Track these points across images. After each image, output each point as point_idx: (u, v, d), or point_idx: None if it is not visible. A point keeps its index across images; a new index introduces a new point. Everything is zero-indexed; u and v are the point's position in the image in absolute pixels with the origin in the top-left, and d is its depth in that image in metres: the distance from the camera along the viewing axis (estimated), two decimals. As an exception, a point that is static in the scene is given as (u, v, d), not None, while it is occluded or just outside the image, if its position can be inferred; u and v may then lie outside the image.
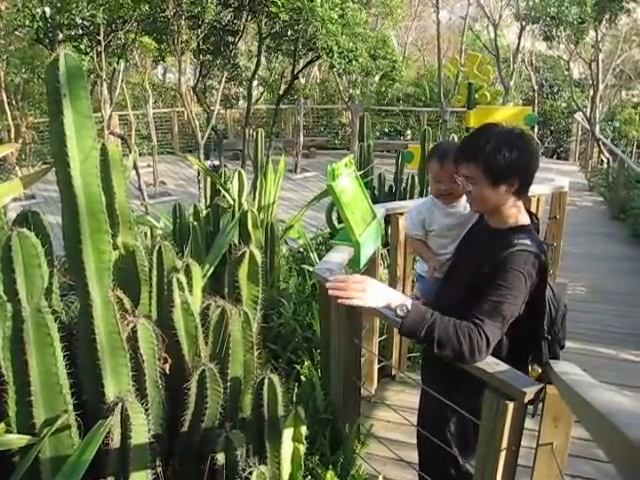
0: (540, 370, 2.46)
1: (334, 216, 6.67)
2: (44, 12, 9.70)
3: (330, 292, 2.15)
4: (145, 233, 5.37)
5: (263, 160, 6.52)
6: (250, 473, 2.25)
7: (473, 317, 2.25)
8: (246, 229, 4.66)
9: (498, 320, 2.26)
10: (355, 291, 2.15)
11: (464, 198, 2.97)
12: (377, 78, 16.53)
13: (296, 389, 3.99)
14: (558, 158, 22.38)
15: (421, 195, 7.01)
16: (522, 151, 2.30)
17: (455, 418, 2.71)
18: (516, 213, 2.43)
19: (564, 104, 23.98)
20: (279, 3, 8.89)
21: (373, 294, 2.18)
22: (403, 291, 4.68)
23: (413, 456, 3.22)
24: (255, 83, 14.72)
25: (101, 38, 9.65)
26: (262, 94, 17.89)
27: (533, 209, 5.69)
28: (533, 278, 2.31)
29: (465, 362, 2.27)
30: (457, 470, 2.77)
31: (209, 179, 5.93)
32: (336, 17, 9.39)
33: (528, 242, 2.30)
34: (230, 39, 11.00)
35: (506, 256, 2.28)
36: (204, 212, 5.58)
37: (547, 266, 2.35)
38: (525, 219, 2.46)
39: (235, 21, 10.73)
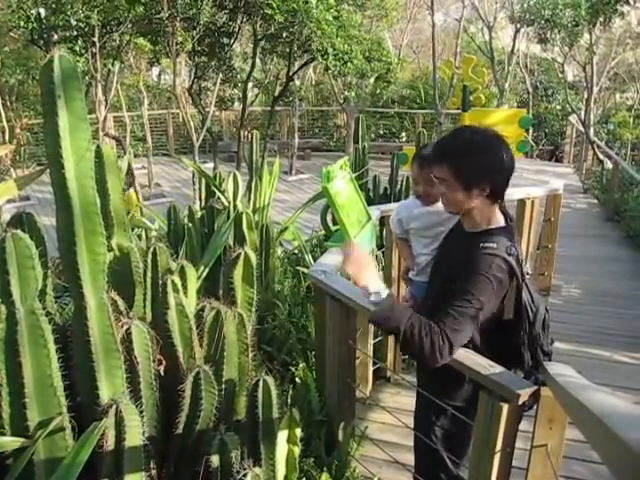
0: (522, 375, 2.45)
1: (329, 218, 6.67)
2: (39, 13, 9.69)
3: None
4: (140, 235, 5.37)
5: (258, 162, 6.53)
6: (245, 475, 2.25)
7: (437, 320, 2.24)
8: (241, 231, 4.66)
9: (459, 323, 2.23)
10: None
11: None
12: (372, 80, 16.58)
13: (291, 391, 3.98)
14: (557, 160, 22.40)
15: (415, 197, 7.01)
16: (494, 155, 2.27)
17: (445, 420, 2.71)
18: (489, 216, 2.41)
19: (558, 106, 24.02)
20: (274, 5, 8.90)
21: (363, 273, 2.34)
22: (397, 293, 4.68)
23: (408, 458, 3.22)
24: (250, 85, 14.71)
25: (96, 39, 9.66)
26: (257, 96, 17.86)
27: (527, 211, 5.70)
28: (504, 281, 2.29)
29: (426, 362, 2.28)
30: (448, 474, 2.77)
31: (204, 181, 5.92)
32: (331, 19, 9.40)
33: (494, 245, 2.27)
34: (225, 41, 11.02)
35: (470, 259, 2.27)
36: (199, 214, 5.58)
37: (515, 269, 2.30)
38: (498, 221, 2.42)
39: (230, 23, 10.74)
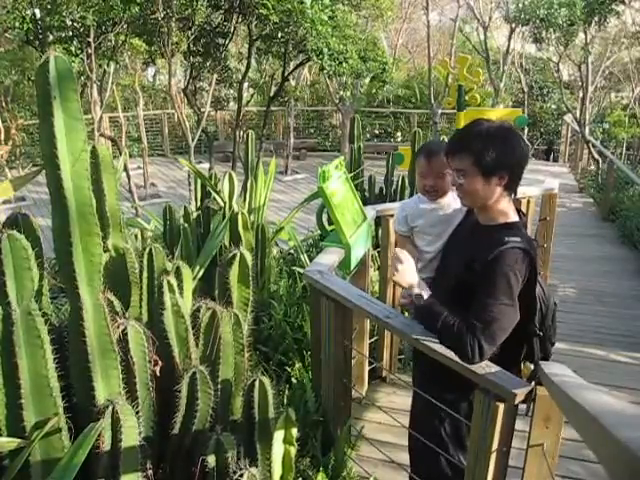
0: (532, 367, 2.46)
1: (324, 218, 6.67)
2: (34, 14, 9.65)
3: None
4: (135, 235, 5.37)
5: (254, 162, 6.53)
6: (241, 475, 2.25)
7: (471, 321, 2.31)
8: (236, 231, 4.65)
9: (495, 324, 2.29)
10: (395, 268, 2.56)
11: (449, 196, 2.98)
12: (367, 80, 16.54)
13: (287, 391, 3.98)
14: (554, 160, 22.40)
15: (411, 196, 7.02)
16: (512, 145, 2.33)
17: (448, 419, 2.71)
18: (506, 210, 2.45)
19: (554, 106, 24.10)
20: (269, 5, 8.88)
21: (404, 275, 2.55)
22: (393, 293, 4.68)
23: (404, 458, 3.22)
24: (245, 85, 14.70)
25: (91, 40, 9.63)
26: (252, 96, 17.86)
27: (523, 210, 5.71)
28: (523, 275, 2.33)
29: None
30: (452, 470, 2.77)
31: (199, 181, 5.92)
32: (326, 19, 9.38)
33: (518, 239, 2.31)
34: (220, 41, 10.99)
35: (498, 254, 2.29)
36: (194, 214, 5.58)
37: (536, 263, 2.36)
38: (514, 216, 2.47)
39: (225, 23, 10.72)
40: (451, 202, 2.98)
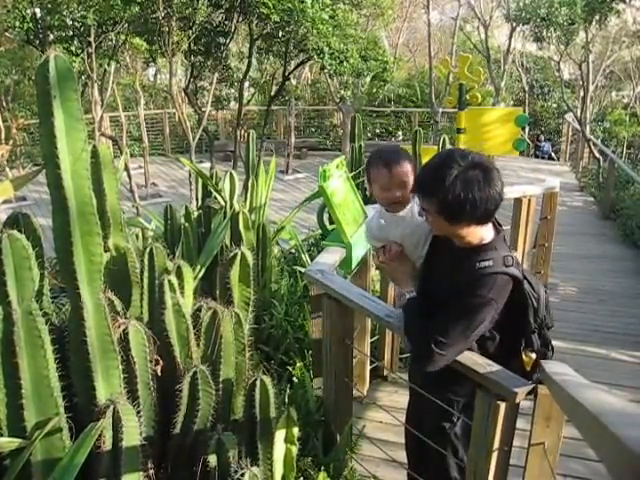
0: (534, 356, 2.43)
1: (325, 217, 6.66)
2: (34, 13, 9.66)
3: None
4: (136, 235, 5.37)
5: (254, 161, 6.52)
6: (242, 475, 2.25)
7: (434, 334, 2.28)
8: (237, 230, 4.65)
9: (456, 342, 2.29)
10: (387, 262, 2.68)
11: (409, 204, 2.70)
12: (368, 79, 16.53)
13: (288, 390, 3.98)
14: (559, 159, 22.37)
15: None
16: (479, 191, 2.14)
17: (455, 419, 2.70)
18: (479, 233, 2.32)
19: (554, 105, 24.10)
20: (270, 4, 8.89)
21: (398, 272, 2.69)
22: (394, 292, 4.68)
23: (405, 456, 3.22)
24: (246, 84, 14.70)
25: (92, 39, 9.64)
26: (253, 95, 17.86)
27: (524, 210, 5.71)
28: (506, 293, 2.28)
29: (419, 364, 2.53)
30: (457, 471, 2.76)
31: (200, 180, 5.92)
32: (327, 18, 9.40)
33: (490, 263, 2.23)
34: (221, 40, 10.99)
35: (471, 281, 2.24)
36: (195, 213, 5.58)
37: (517, 275, 2.27)
38: (489, 234, 2.34)
39: (226, 22, 10.72)
40: (413, 210, 2.67)
